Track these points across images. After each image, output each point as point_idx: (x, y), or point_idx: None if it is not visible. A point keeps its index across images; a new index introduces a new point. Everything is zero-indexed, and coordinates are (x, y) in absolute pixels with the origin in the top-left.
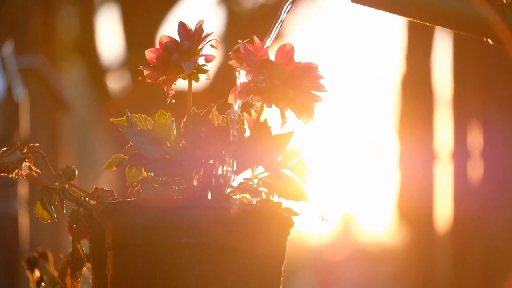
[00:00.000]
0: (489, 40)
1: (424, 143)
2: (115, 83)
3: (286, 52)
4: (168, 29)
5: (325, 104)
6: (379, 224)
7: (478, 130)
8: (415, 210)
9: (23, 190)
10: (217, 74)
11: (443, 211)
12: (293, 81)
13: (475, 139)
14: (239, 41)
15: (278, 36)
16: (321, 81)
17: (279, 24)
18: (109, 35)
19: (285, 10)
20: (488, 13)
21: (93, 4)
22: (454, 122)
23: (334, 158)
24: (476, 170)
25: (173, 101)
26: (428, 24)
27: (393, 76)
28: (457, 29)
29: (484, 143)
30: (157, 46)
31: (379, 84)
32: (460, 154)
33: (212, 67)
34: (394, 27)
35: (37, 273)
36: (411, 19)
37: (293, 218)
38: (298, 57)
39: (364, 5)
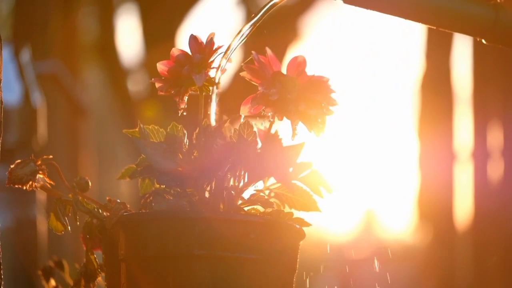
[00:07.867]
0: (483, 40)
1: (444, 142)
2: (134, 85)
3: (298, 65)
4: (188, 30)
5: (347, 104)
6: (400, 223)
7: (498, 129)
8: (436, 208)
9: (41, 196)
10: (237, 76)
11: (464, 210)
12: (304, 95)
13: (495, 138)
14: (252, 52)
15: (297, 37)
16: (333, 94)
17: None
18: (129, 37)
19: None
20: (482, 13)
21: (112, 7)
22: (474, 121)
23: (355, 157)
24: (496, 169)
25: (185, 113)
26: (421, 24)
27: (413, 75)
28: (451, 29)
29: (504, 142)
30: (177, 47)
31: (399, 83)
32: (480, 153)
33: (234, 66)
34: (414, 26)
35: (52, 282)
36: (405, 19)
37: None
38: (310, 70)
39: (356, 5)
